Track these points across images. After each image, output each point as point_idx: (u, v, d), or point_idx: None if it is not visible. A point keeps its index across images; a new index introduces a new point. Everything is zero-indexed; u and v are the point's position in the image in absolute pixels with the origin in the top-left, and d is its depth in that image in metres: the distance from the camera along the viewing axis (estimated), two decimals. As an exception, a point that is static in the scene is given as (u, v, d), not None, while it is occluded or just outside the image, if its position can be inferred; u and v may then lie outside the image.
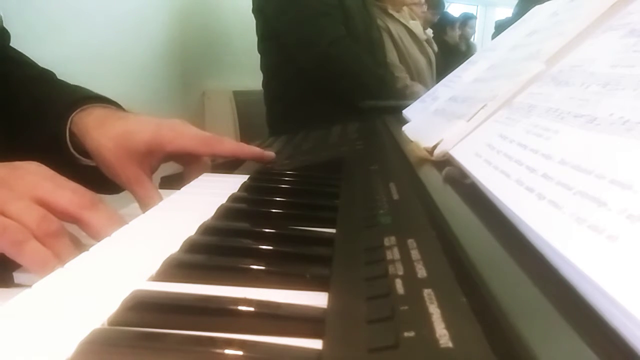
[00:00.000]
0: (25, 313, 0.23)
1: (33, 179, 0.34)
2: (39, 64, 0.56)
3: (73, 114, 0.46)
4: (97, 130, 0.45)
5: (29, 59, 0.57)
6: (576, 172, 0.23)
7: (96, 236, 0.34)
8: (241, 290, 0.25)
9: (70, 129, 0.46)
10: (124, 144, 0.44)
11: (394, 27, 1.90)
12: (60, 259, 0.30)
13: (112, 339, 0.20)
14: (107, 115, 0.47)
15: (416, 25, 2.03)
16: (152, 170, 0.46)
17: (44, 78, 0.54)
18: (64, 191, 0.34)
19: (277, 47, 1.46)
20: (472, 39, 4.00)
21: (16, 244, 0.30)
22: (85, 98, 0.48)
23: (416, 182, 0.38)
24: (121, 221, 0.36)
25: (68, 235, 0.33)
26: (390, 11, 1.90)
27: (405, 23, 1.96)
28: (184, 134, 0.46)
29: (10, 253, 0.30)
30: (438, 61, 2.18)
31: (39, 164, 0.36)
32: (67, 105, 0.47)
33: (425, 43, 2.03)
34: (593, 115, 0.26)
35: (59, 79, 0.55)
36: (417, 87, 1.82)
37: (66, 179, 0.36)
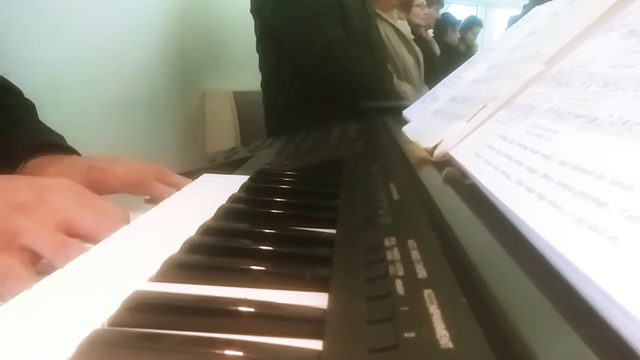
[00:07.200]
0: (25, 313, 0.23)
1: (57, 202, 0.34)
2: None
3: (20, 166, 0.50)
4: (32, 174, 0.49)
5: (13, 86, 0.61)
6: (576, 173, 0.23)
7: None
8: (241, 291, 0.25)
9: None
10: None
11: (382, 27, 1.91)
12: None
13: (112, 340, 0.20)
14: (42, 163, 0.51)
15: (403, 25, 2.05)
16: None
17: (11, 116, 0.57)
18: (86, 213, 0.35)
19: (274, 47, 1.45)
20: (472, 44, 3.95)
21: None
22: (30, 149, 0.51)
23: (416, 183, 0.38)
24: None
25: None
26: (378, 11, 1.90)
27: (393, 23, 1.98)
28: (115, 175, 0.48)
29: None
30: (440, 62, 2.18)
31: (67, 180, 0.38)
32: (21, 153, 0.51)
33: (412, 43, 2.04)
34: (593, 115, 0.26)
35: (23, 118, 0.58)
36: (405, 86, 1.83)
37: (93, 196, 0.38)
